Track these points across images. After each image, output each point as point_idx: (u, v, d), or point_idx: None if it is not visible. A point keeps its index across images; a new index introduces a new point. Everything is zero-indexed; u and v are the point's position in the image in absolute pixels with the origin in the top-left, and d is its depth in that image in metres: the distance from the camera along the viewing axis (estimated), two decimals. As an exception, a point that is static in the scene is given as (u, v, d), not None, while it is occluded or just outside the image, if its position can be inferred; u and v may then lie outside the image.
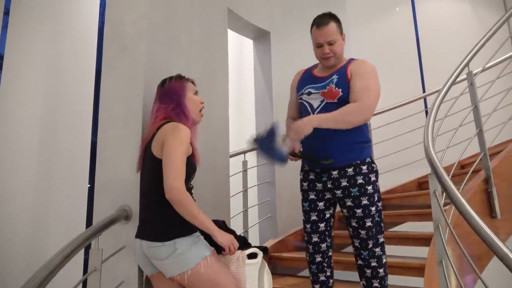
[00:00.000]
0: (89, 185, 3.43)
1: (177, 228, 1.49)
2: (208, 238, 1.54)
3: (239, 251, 1.62)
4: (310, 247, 1.83)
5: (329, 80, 1.81)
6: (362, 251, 1.75)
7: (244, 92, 4.01)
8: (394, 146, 3.57)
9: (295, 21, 3.34)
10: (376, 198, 1.75)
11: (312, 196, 1.83)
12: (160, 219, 1.53)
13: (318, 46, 1.82)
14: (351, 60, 1.87)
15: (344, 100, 1.74)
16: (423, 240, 2.29)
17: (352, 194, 1.73)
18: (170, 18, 2.13)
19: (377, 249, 1.74)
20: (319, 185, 1.81)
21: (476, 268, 1.36)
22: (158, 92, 1.72)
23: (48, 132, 3.56)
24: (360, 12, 4.90)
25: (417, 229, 2.60)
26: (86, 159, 3.46)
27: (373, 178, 1.75)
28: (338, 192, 1.76)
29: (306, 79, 1.93)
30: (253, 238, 3.03)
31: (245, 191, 2.97)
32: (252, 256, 1.69)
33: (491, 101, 2.53)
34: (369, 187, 1.73)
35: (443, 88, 2.18)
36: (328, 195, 1.81)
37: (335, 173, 1.76)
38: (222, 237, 1.49)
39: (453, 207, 1.56)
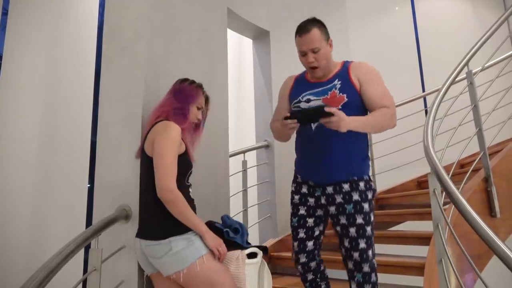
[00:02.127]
0: (88, 185, 3.43)
1: (172, 227, 1.50)
2: None
3: (239, 251, 1.63)
4: (299, 267, 1.73)
5: (331, 85, 1.68)
6: (355, 273, 1.63)
7: (244, 92, 4.01)
8: (393, 145, 3.57)
9: (294, 21, 3.30)
10: (372, 218, 1.65)
11: (302, 211, 1.72)
12: (156, 218, 1.54)
13: (302, 54, 1.71)
14: (347, 62, 1.75)
15: (348, 106, 1.62)
16: (423, 239, 2.29)
17: (347, 212, 1.61)
18: (169, 18, 2.13)
19: (372, 274, 1.62)
20: (311, 200, 1.71)
21: (476, 267, 1.36)
22: (174, 85, 1.75)
23: (47, 132, 3.56)
24: (360, 11, 4.90)
25: (416, 228, 2.60)
26: (86, 159, 3.46)
27: (369, 196, 1.65)
28: (332, 208, 1.65)
29: (301, 85, 1.78)
30: (253, 238, 3.03)
31: (244, 191, 2.97)
32: (252, 255, 1.69)
33: (491, 100, 2.53)
34: (365, 205, 1.62)
35: (442, 87, 2.18)
36: (319, 212, 1.71)
37: (330, 188, 1.65)
38: (210, 240, 1.50)
39: (453, 206, 1.56)
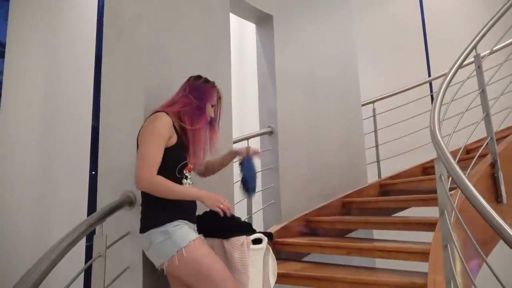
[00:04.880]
0: (93, 173, 3.44)
1: (150, 220, 1.52)
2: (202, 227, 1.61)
3: (244, 237, 1.62)
4: None
5: None
6: None
7: (247, 78, 3.97)
8: (399, 131, 3.55)
9: (298, 5, 3.27)
10: None
11: None
12: (142, 211, 1.59)
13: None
14: None
15: None
16: (428, 225, 2.28)
17: None
18: (170, 1, 2.09)
19: None
20: None
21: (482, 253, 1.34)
22: (188, 83, 1.70)
23: (48, 120, 3.55)
24: (365, -5, 4.80)
25: (421, 214, 2.60)
26: (88, 146, 3.46)
27: None
28: None
29: None
30: (257, 224, 3.04)
31: (248, 177, 2.96)
32: (257, 241, 1.69)
33: (499, 84, 2.48)
34: None
35: (450, 71, 2.14)
36: None
37: None
38: (209, 201, 1.51)
39: (459, 191, 1.54)
